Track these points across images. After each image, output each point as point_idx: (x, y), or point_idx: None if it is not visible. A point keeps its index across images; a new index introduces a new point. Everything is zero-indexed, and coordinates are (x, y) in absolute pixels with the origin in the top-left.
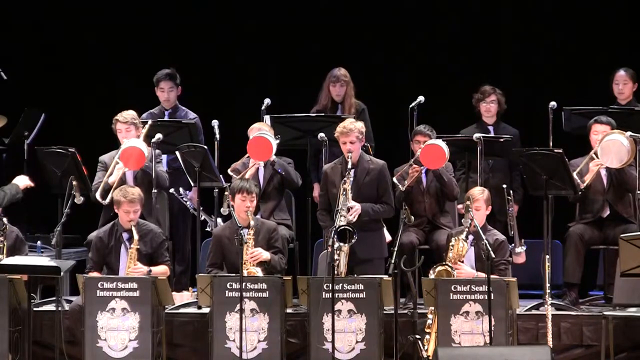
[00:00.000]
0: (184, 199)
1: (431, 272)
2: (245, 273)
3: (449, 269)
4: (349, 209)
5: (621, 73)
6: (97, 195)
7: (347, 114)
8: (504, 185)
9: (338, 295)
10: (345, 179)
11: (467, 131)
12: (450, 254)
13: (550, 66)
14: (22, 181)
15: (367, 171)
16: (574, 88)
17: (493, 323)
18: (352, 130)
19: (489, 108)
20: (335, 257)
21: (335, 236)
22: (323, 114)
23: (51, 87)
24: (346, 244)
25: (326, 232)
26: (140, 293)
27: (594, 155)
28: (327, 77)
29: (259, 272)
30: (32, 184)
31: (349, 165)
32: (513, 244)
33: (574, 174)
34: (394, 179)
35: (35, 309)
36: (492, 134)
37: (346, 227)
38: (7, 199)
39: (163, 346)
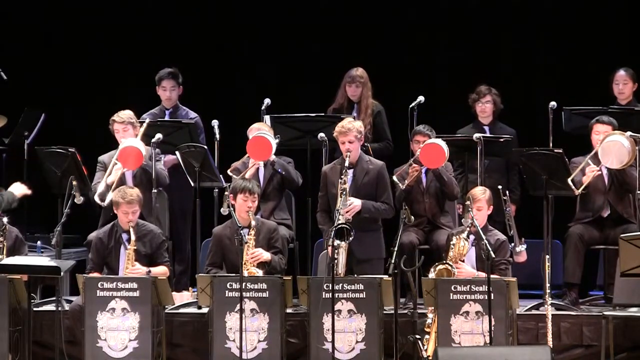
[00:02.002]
0: (159, 158)
1: (432, 269)
2: (245, 273)
3: (450, 267)
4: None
5: (621, 73)
6: (96, 197)
7: (362, 115)
8: (500, 186)
9: (338, 295)
10: (342, 177)
11: (463, 131)
12: (451, 252)
13: (550, 66)
14: (19, 189)
15: (366, 171)
16: (574, 88)
17: (493, 323)
18: (350, 129)
19: (484, 108)
20: (334, 255)
21: (333, 234)
22: (322, 114)
23: (51, 87)
24: (344, 242)
25: (326, 233)
26: (140, 293)
27: (590, 161)
28: (344, 76)
29: (259, 272)
30: (29, 192)
31: (346, 164)
32: (513, 244)
33: (578, 170)
34: (394, 178)
35: (35, 309)
36: (488, 134)
37: (343, 224)
38: (3, 206)
39: (163, 346)
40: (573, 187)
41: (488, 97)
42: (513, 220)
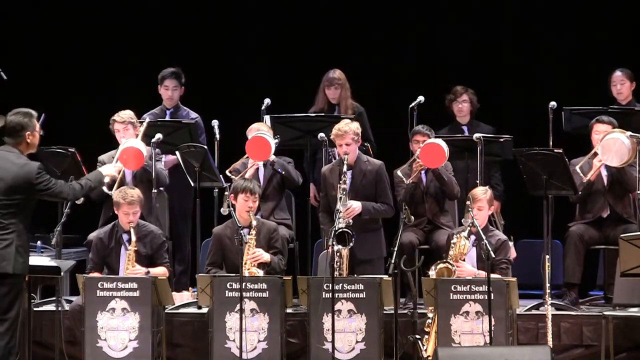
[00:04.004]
0: (159, 158)
1: (433, 267)
2: (246, 273)
3: (450, 266)
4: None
5: (617, 74)
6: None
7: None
8: (477, 181)
9: (338, 295)
10: (342, 180)
11: (441, 133)
12: (451, 252)
13: (550, 66)
14: (108, 170)
15: (364, 172)
16: (574, 88)
17: (493, 323)
18: (347, 132)
19: (461, 108)
20: (337, 259)
21: (334, 239)
22: (323, 114)
23: (51, 87)
24: (345, 247)
25: (326, 233)
26: (140, 293)
27: (594, 157)
28: (322, 79)
29: (260, 272)
30: (117, 175)
31: (345, 168)
32: None
33: (577, 168)
34: (399, 173)
35: (35, 309)
36: (467, 133)
37: (344, 229)
38: (84, 191)
39: (163, 346)
40: (581, 174)
41: (464, 97)
42: (498, 217)
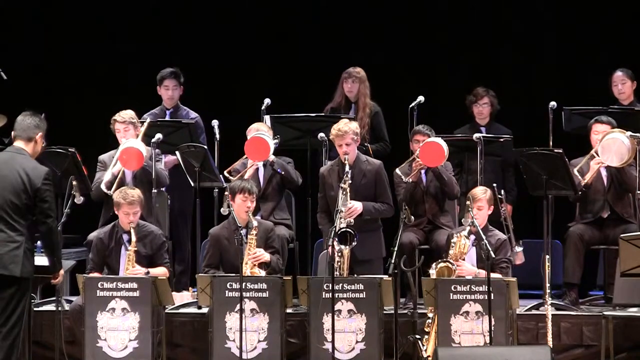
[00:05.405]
0: (159, 158)
1: (433, 266)
2: (248, 273)
3: (450, 265)
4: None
5: (618, 74)
6: (103, 186)
7: (361, 114)
8: (494, 184)
9: (338, 295)
10: (344, 179)
11: (460, 132)
12: (451, 251)
13: (550, 66)
14: (60, 273)
15: (364, 172)
16: (574, 88)
17: (493, 323)
18: (347, 132)
19: (481, 110)
20: (337, 259)
21: (336, 239)
22: (323, 114)
23: (51, 87)
24: (347, 247)
25: (326, 233)
26: (140, 293)
27: (594, 154)
28: (342, 74)
29: (262, 273)
30: (57, 281)
31: (347, 168)
32: (510, 245)
33: (575, 170)
34: (398, 171)
35: (35, 309)
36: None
37: (347, 229)
38: (54, 245)
39: (163, 346)
40: (580, 177)
41: (485, 99)
42: (510, 221)
